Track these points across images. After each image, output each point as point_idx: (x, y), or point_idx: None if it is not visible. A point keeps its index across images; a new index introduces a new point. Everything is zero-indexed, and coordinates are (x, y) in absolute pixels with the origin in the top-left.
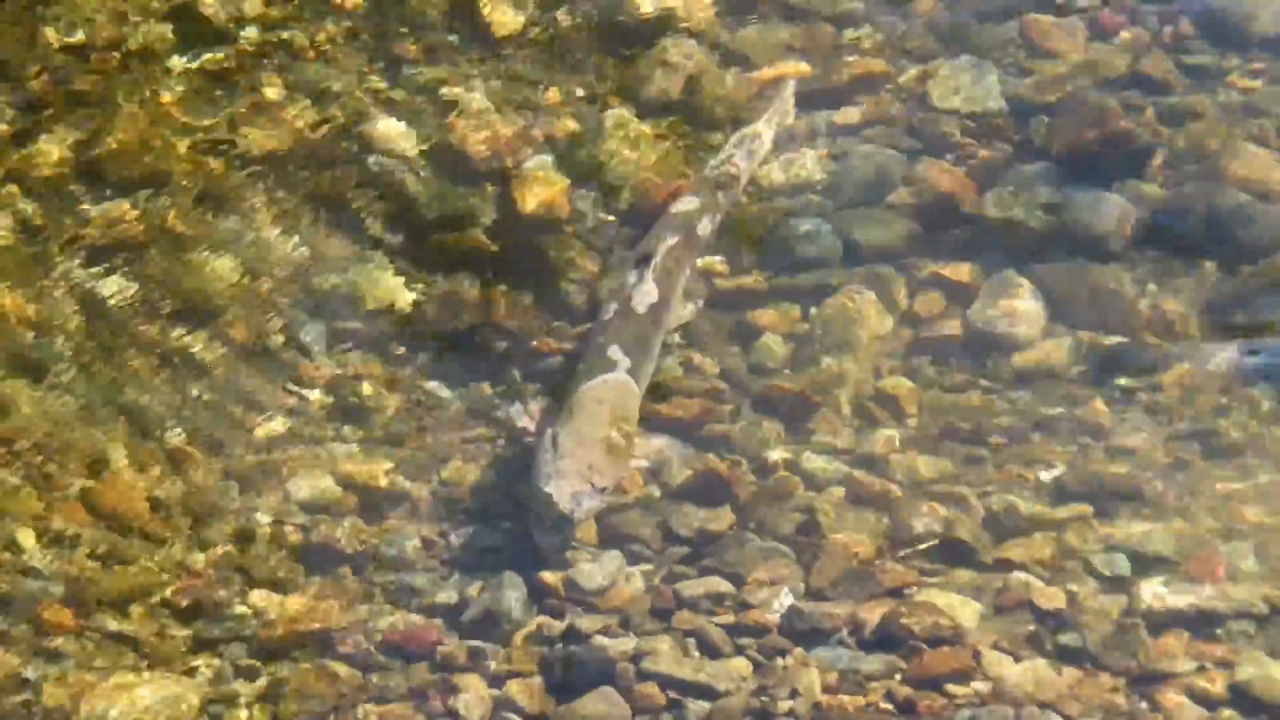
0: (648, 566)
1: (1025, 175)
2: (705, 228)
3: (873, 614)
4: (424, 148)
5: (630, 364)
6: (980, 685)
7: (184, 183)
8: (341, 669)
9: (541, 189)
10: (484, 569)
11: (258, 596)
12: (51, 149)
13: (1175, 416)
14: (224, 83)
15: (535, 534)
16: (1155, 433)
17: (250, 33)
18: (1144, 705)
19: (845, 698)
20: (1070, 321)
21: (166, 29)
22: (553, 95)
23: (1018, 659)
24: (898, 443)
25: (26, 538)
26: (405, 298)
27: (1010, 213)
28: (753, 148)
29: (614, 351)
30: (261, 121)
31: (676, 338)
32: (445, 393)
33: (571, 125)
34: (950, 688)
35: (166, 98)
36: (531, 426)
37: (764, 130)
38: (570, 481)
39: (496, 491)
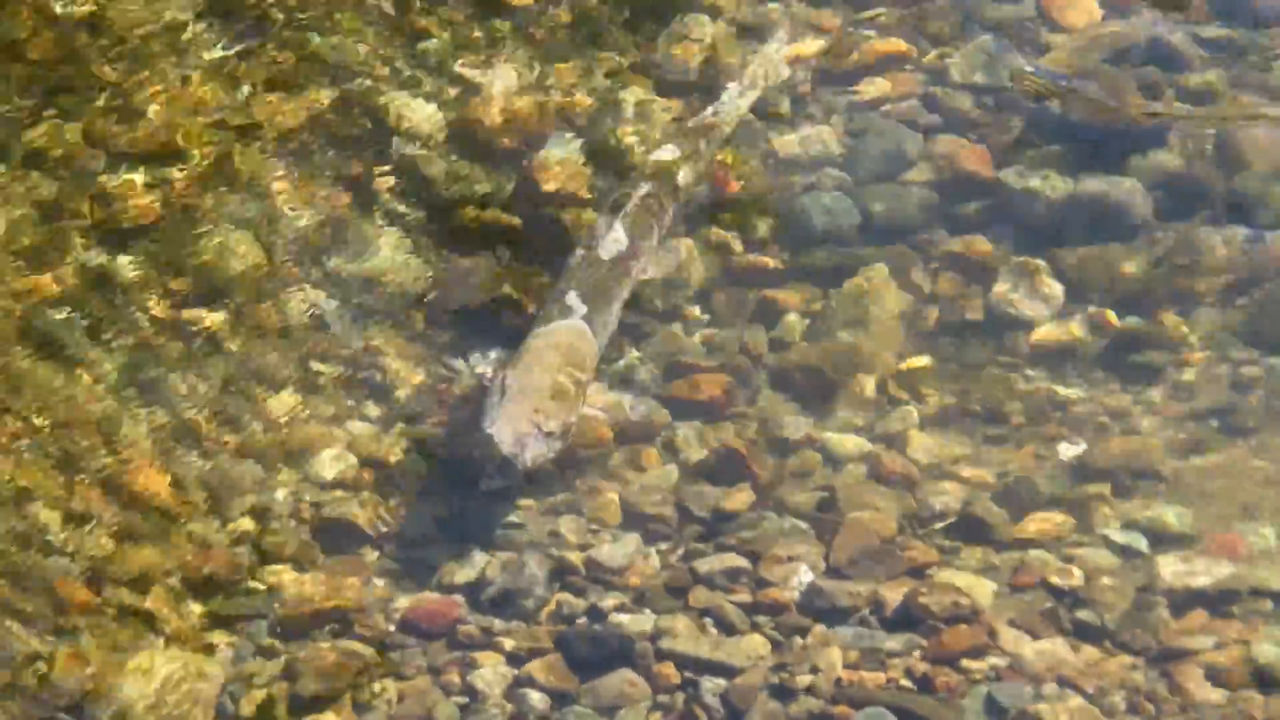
0: (665, 545)
1: (1044, 152)
2: (685, 177)
3: (894, 593)
4: (443, 125)
5: (587, 310)
6: (998, 660)
7: (201, 160)
8: (360, 647)
9: (560, 169)
10: (504, 546)
11: (276, 574)
12: (69, 127)
13: (1195, 394)
14: (244, 59)
15: (481, 479)
16: (1174, 411)
17: (272, 10)
18: (1162, 683)
19: (865, 674)
20: (1089, 300)
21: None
22: (571, 72)
23: (1035, 636)
24: (918, 420)
25: (48, 516)
26: (424, 273)
27: (1029, 188)
28: (737, 99)
29: (571, 298)
30: (279, 98)
31: (697, 312)
32: (464, 368)
33: (590, 103)
34: (967, 663)
35: (186, 74)
36: (489, 373)
37: (747, 83)
38: (515, 424)
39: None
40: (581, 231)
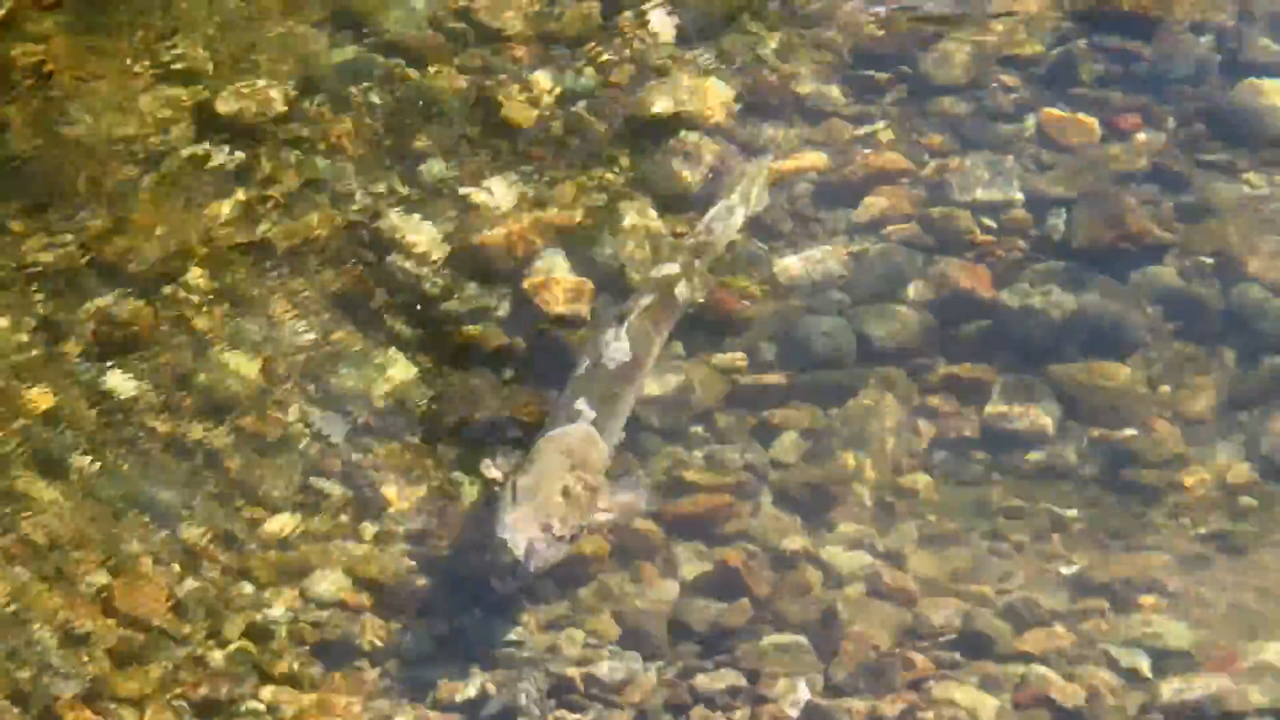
0: (663, 661)
1: (1044, 271)
2: (684, 292)
3: (892, 708)
4: (441, 244)
5: (596, 416)
6: None
7: (201, 278)
8: None
9: (560, 289)
10: (502, 663)
11: (273, 692)
12: (67, 244)
13: (1194, 514)
14: (242, 180)
15: (493, 582)
16: (1174, 530)
17: (269, 129)
18: None
19: None
20: (1087, 420)
21: (186, 126)
22: (569, 190)
23: None
24: (916, 537)
25: (47, 635)
26: (425, 391)
27: (1028, 308)
28: (726, 219)
29: (580, 404)
30: (279, 218)
31: (699, 431)
32: (465, 484)
33: (589, 221)
34: None
35: (186, 194)
36: (500, 478)
37: (737, 203)
38: (526, 529)
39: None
40: (585, 343)
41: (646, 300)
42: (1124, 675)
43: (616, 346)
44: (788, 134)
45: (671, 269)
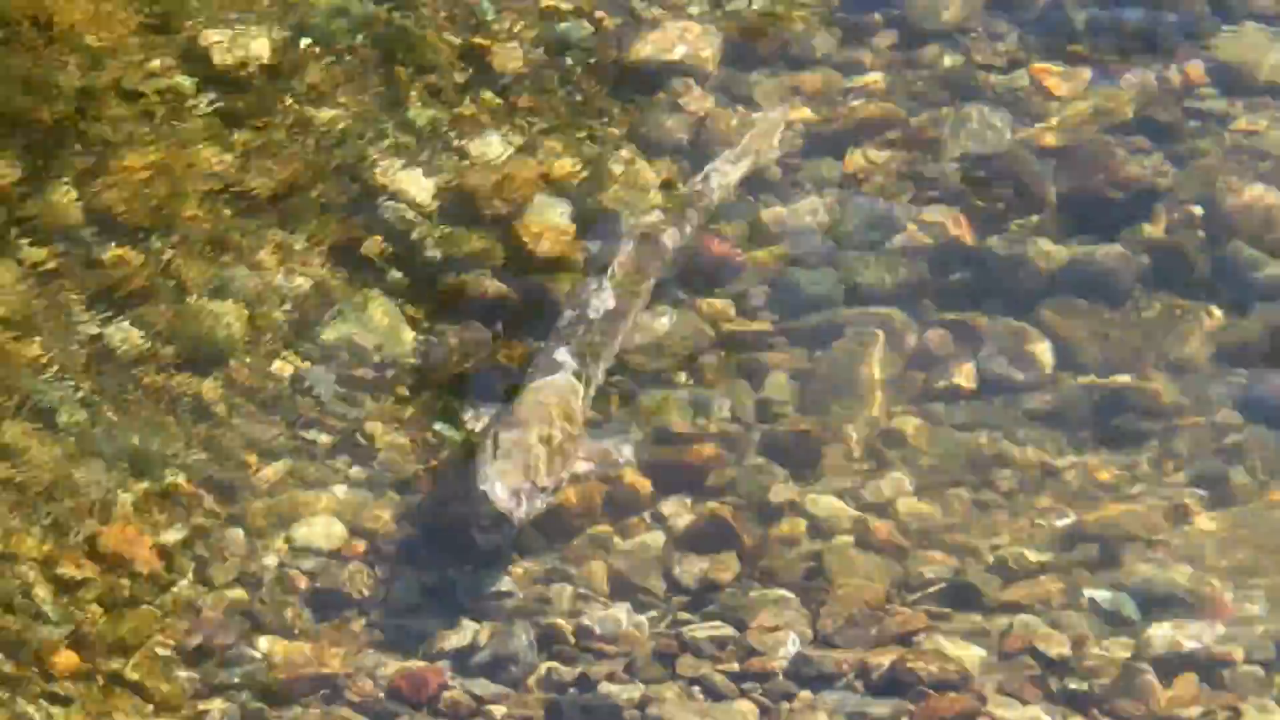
0: (653, 613)
1: (1032, 220)
2: (671, 239)
3: (881, 659)
4: (432, 192)
5: (577, 366)
6: None
7: (190, 226)
8: (350, 714)
9: (551, 234)
10: (493, 614)
11: (265, 641)
12: (59, 194)
13: (1185, 460)
14: (233, 126)
15: (475, 534)
16: (1165, 476)
17: (258, 77)
18: None
19: None
20: (1079, 366)
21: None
22: (560, 139)
23: (1024, 703)
24: (908, 486)
25: (39, 582)
26: (413, 340)
27: (1017, 256)
28: (725, 170)
29: (561, 354)
30: (269, 165)
31: (685, 379)
32: (453, 434)
33: (580, 169)
34: None
35: (175, 140)
36: (482, 428)
37: (739, 153)
38: (508, 480)
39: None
40: (569, 292)
41: (630, 248)
42: (1112, 622)
43: (600, 295)
44: (780, 82)
45: (658, 216)
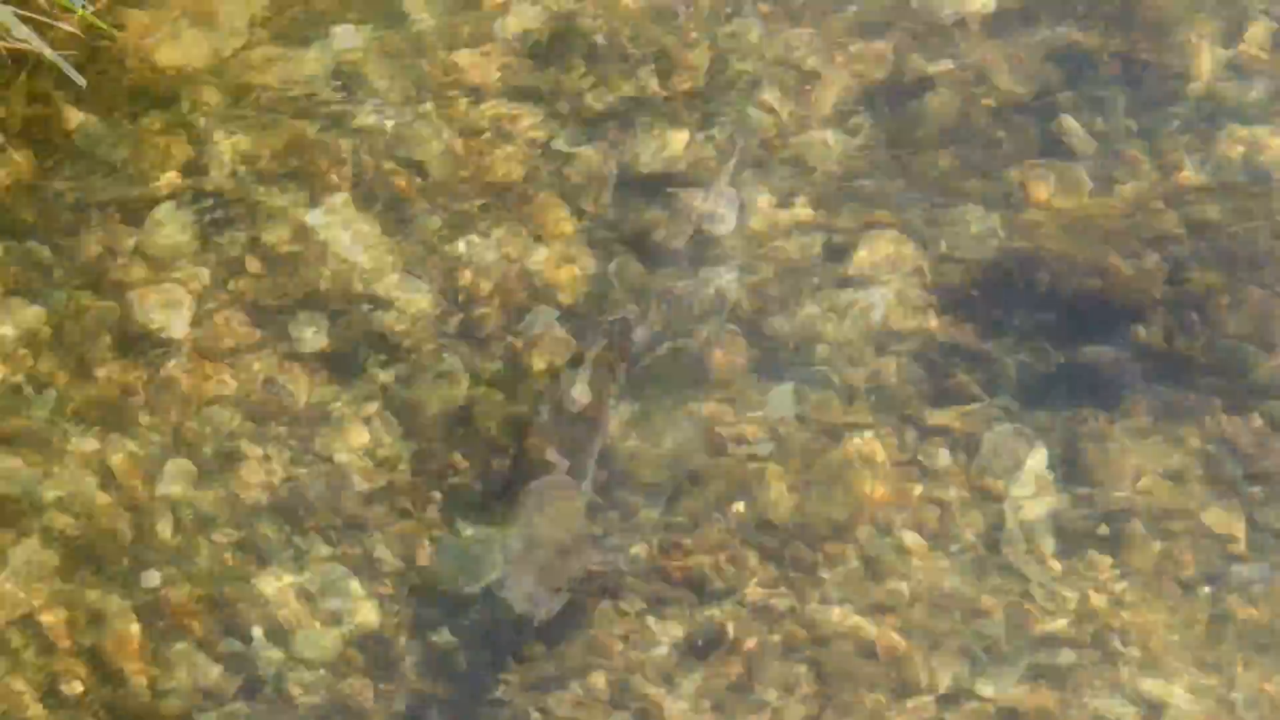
0: None
1: (1029, 323)
2: (641, 335)
3: None
4: (431, 302)
5: (569, 465)
6: None
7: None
8: None
9: (545, 343)
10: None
11: None
12: None
13: (1182, 573)
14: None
15: (494, 636)
16: (1162, 589)
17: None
18: None
19: None
20: (1073, 475)
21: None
22: (558, 243)
23: None
24: (906, 594)
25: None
26: (409, 450)
27: (1014, 361)
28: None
29: (551, 454)
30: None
31: (683, 483)
32: (450, 540)
33: (578, 273)
34: None
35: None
36: (480, 534)
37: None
38: (525, 584)
39: None
40: (544, 389)
41: (602, 345)
42: None
43: (577, 390)
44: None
45: (631, 311)
